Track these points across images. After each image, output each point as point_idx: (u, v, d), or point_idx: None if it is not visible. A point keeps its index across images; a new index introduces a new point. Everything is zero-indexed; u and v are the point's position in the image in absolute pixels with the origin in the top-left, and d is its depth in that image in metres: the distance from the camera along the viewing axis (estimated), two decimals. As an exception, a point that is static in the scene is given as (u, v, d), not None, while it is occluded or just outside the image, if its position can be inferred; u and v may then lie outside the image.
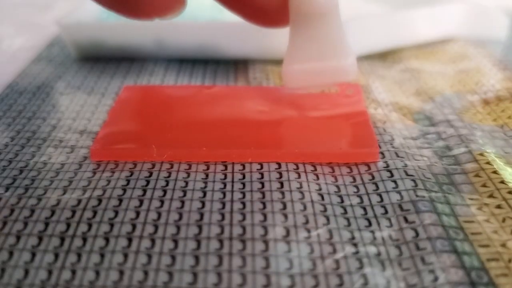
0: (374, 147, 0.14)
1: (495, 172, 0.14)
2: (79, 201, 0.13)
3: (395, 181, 0.13)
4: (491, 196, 0.13)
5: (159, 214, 0.12)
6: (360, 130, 0.15)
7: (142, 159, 0.14)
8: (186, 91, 0.18)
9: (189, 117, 0.16)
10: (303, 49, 0.15)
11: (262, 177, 0.14)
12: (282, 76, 0.16)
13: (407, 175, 0.14)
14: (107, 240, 0.11)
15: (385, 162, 0.14)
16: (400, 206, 0.12)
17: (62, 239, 0.12)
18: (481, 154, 0.14)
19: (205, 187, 0.13)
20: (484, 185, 0.13)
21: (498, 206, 0.13)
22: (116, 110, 0.17)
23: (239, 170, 0.14)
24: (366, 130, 0.15)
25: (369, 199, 0.13)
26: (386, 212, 0.12)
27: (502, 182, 0.13)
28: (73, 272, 0.11)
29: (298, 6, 0.14)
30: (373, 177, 0.14)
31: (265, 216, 0.12)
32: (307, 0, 0.14)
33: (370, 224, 0.12)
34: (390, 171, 0.14)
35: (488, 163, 0.14)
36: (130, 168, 0.14)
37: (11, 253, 0.11)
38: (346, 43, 0.15)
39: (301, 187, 0.13)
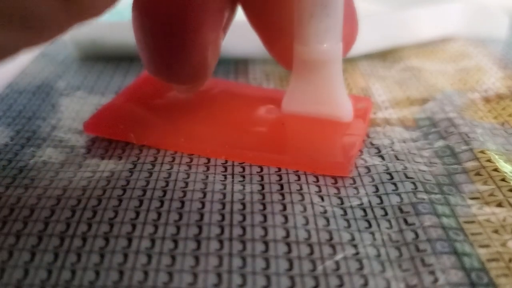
0: (344, 161, 0.14)
1: (496, 169, 0.14)
2: (79, 201, 0.13)
3: (395, 184, 0.13)
4: (492, 194, 0.13)
5: (159, 214, 0.12)
6: (345, 143, 0.15)
7: (121, 139, 0.15)
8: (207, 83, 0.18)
9: (188, 107, 0.16)
10: (302, 93, 0.15)
11: (262, 179, 0.14)
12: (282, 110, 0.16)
13: (407, 177, 0.14)
14: (107, 240, 0.11)
15: (385, 165, 0.14)
16: (400, 208, 0.12)
17: (62, 239, 0.12)
18: (482, 152, 0.14)
19: (205, 188, 0.13)
20: (485, 183, 0.13)
21: (499, 205, 0.12)
22: (126, 91, 0.17)
23: (239, 172, 0.14)
24: (349, 144, 0.15)
25: (369, 201, 0.13)
26: (386, 214, 0.12)
27: (503, 179, 0.13)
28: (73, 272, 0.11)
29: (300, 52, 0.14)
30: (373, 179, 0.14)
31: (265, 217, 0.12)
32: (309, 47, 0.14)
33: (370, 225, 0.12)
34: (390, 174, 0.14)
35: (489, 160, 0.14)
36: (130, 169, 0.14)
37: (10, 253, 0.11)
38: (344, 91, 0.15)
39: (301, 189, 0.13)
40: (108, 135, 0.16)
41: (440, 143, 0.15)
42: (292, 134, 0.16)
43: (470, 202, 0.13)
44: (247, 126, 0.16)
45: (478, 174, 0.14)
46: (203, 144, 0.15)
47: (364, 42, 0.21)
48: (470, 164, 0.14)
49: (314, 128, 0.15)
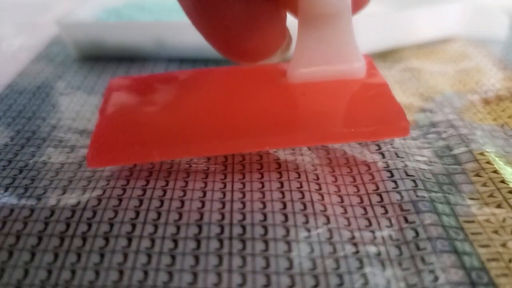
0: (403, 121, 0.13)
1: (495, 171, 0.14)
2: (79, 201, 0.13)
3: (395, 181, 0.13)
4: (491, 195, 0.13)
5: (159, 214, 0.12)
6: (382, 102, 0.14)
7: (143, 161, 0.14)
8: (180, 77, 0.17)
9: (188, 106, 0.15)
10: (311, 52, 0.14)
11: (262, 177, 0.14)
12: (287, 77, 0.15)
13: (407, 175, 0.14)
14: (106, 240, 0.11)
15: (385, 162, 0.14)
16: (400, 206, 0.12)
17: (62, 239, 0.12)
18: (482, 154, 0.14)
19: (205, 186, 0.13)
20: (484, 185, 0.13)
21: (499, 206, 0.12)
22: (107, 107, 0.15)
23: (239, 170, 0.14)
24: (389, 102, 0.14)
25: (369, 199, 0.13)
26: (386, 212, 0.12)
27: (503, 181, 0.13)
28: (73, 272, 0.11)
29: (307, 6, 0.13)
30: (373, 177, 0.14)
31: (265, 215, 0.12)
32: (317, 0, 0.13)
33: (370, 223, 0.12)
34: (390, 171, 0.14)
35: (488, 162, 0.14)
36: (129, 168, 0.14)
37: (10, 253, 0.11)
38: (355, 45, 0.14)
39: (301, 186, 0.13)
40: (122, 161, 0.14)
41: (440, 143, 0.15)
42: (327, 104, 0.14)
43: (469, 202, 0.13)
44: (267, 107, 0.14)
45: (477, 175, 0.14)
46: (242, 139, 0.13)
47: (365, 42, 0.21)
48: (470, 166, 0.14)
49: (343, 94, 0.14)
